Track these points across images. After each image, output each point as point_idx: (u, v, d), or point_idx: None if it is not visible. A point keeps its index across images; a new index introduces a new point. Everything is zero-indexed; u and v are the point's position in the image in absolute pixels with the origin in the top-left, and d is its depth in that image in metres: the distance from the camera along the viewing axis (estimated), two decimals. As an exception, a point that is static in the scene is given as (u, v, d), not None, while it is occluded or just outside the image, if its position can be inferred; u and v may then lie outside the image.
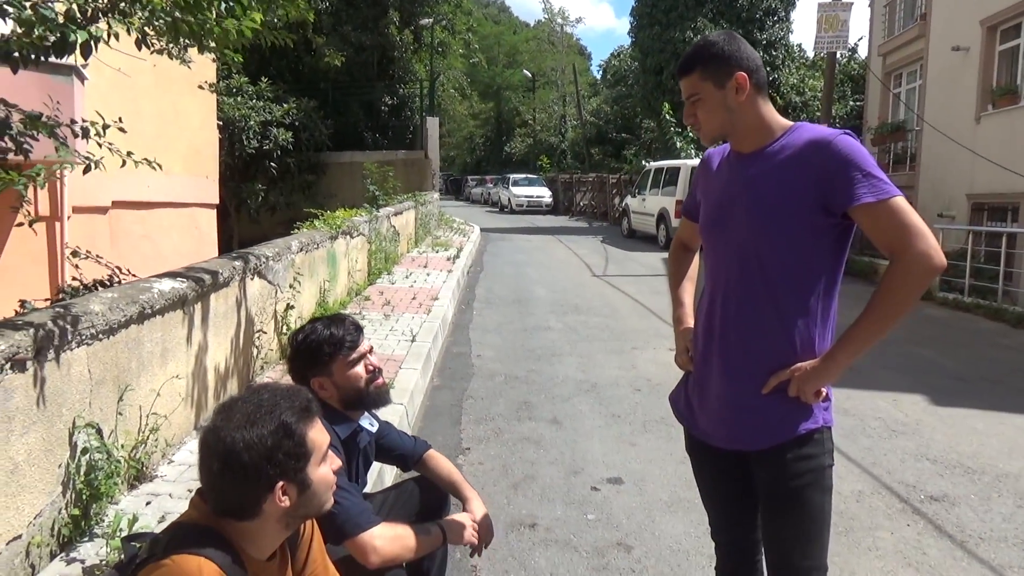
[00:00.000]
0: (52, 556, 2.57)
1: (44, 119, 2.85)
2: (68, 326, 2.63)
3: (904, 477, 3.80)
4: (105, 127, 3.13)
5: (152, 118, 8.32)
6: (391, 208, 10.95)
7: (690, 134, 17.83)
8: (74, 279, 5.27)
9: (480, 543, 2.11)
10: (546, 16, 49.86)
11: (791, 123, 1.71)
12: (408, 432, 2.89)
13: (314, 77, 17.56)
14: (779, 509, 1.70)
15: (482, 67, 44.16)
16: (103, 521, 2.79)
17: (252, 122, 14.44)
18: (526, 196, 29.90)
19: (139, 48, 3.25)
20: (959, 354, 6.73)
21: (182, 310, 3.64)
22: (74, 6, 2.47)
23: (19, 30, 2.55)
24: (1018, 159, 10.85)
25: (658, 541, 3.10)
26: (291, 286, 5.50)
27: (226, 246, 11.94)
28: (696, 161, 13.76)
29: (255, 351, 4.76)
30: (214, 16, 2.91)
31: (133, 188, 8.23)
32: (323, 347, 1.99)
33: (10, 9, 2.29)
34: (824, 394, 1.68)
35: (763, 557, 1.83)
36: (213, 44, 3.21)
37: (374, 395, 2.07)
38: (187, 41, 3.20)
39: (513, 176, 32.72)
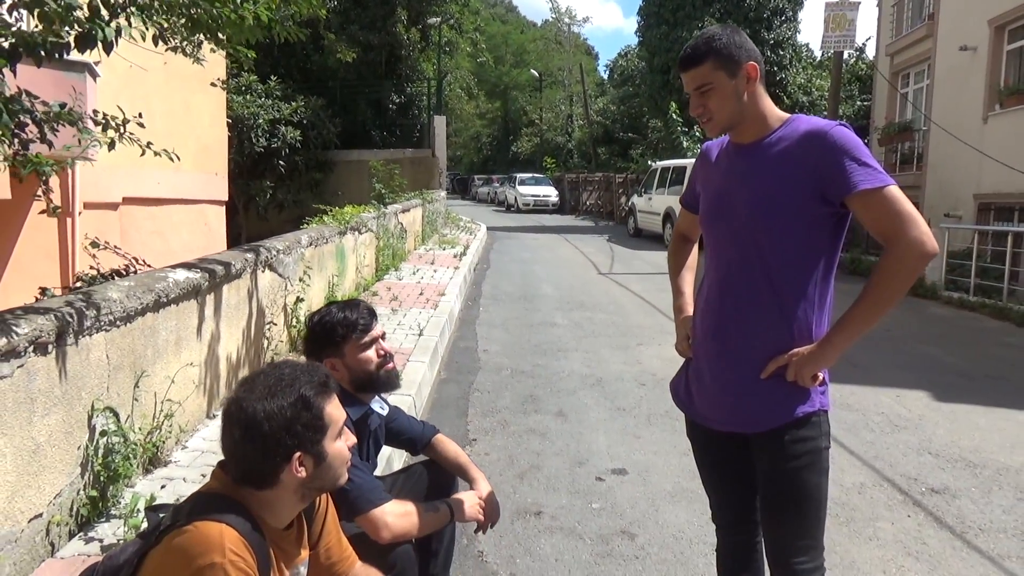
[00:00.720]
0: (71, 535, 2.64)
1: (68, 111, 2.93)
2: (88, 312, 2.71)
3: (906, 470, 3.84)
4: (125, 122, 3.21)
5: (163, 115, 8.40)
6: (399, 205, 11.03)
7: (697, 133, 17.87)
8: (91, 267, 5.35)
9: (486, 520, 2.18)
10: (553, 16, 50.07)
11: (788, 115, 1.77)
12: (416, 420, 2.95)
13: (322, 76, 17.66)
14: (777, 490, 1.75)
15: (489, 66, 44.15)
16: (120, 503, 2.86)
17: (261, 120, 14.53)
18: (532, 195, 29.99)
19: (156, 44, 3.33)
20: (963, 352, 6.74)
21: (196, 300, 3.71)
22: (98, 0, 2.53)
23: (40, 25, 2.62)
24: (1025, 159, 10.84)
25: (661, 529, 3.15)
26: (301, 279, 5.57)
27: (235, 243, 12.01)
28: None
29: (266, 342, 4.84)
30: (231, 7, 2.96)
31: (143, 184, 8.33)
32: (337, 328, 2.06)
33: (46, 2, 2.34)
34: (821, 378, 1.73)
35: (762, 539, 1.89)
36: (226, 38, 3.27)
37: (384, 378, 2.13)
38: (203, 36, 3.26)
39: (520, 175, 32.81)
